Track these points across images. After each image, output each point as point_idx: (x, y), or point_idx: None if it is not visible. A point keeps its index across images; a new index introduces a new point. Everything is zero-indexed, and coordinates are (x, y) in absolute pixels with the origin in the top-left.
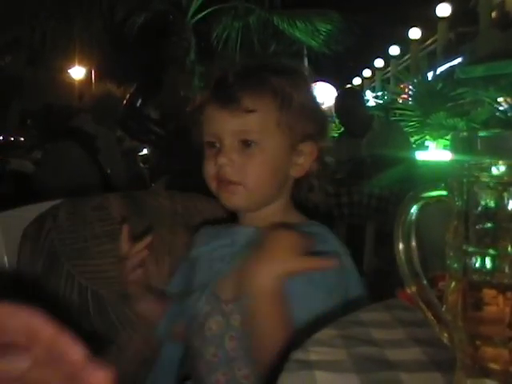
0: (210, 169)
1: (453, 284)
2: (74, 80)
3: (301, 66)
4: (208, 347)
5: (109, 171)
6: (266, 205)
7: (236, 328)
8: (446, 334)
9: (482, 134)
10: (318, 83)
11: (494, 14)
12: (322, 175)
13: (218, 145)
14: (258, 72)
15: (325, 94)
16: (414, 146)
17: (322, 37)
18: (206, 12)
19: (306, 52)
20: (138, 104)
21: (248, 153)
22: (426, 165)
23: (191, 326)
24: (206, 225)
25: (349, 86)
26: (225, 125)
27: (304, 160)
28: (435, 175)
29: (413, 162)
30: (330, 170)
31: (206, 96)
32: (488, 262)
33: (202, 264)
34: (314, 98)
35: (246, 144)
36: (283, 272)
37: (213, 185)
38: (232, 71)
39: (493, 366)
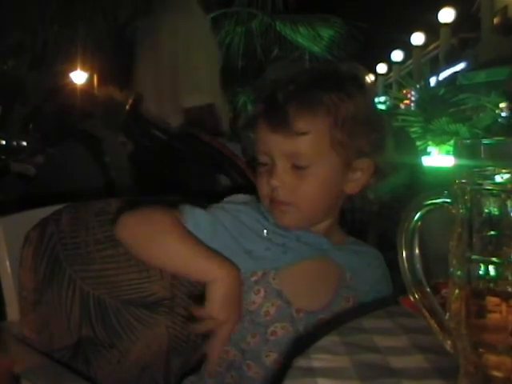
0: (262, 187)
1: (456, 291)
2: (76, 84)
3: (358, 73)
4: (269, 352)
5: (113, 175)
6: (318, 223)
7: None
8: (449, 342)
9: (485, 141)
10: None
11: (496, 20)
12: (377, 190)
13: (269, 163)
14: (310, 89)
15: None
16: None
17: (324, 42)
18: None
19: (307, 57)
20: (140, 109)
21: (300, 174)
22: (429, 171)
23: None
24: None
25: None
26: (277, 147)
27: (360, 176)
28: (438, 182)
29: (417, 168)
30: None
31: (256, 113)
32: (491, 270)
33: (254, 235)
34: (371, 108)
35: (296, 164)
36: None
37: (265, 202)
38: (282, 90)
39: (496, 373)
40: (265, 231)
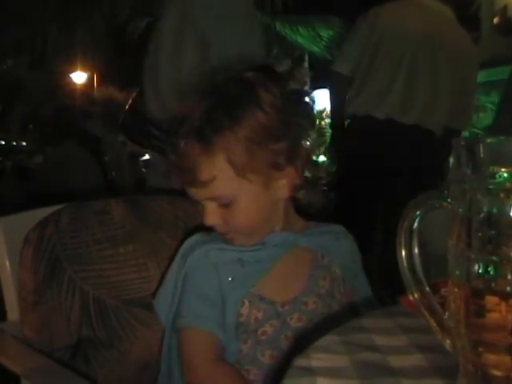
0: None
1: (455, 291)
2: (76, 84)
3: (248, 86)
4: (264, 351)
5: (113, 174)
6: (270, 228)
7: (291, 327)
8: (448, 341)
9: (484, 140)
10: (319, 90)
11: (496, 20)
12: (310, 184)
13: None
14: (202, 136)
15: (326, 100)
16: None
17: (323, 42)
18: None
19: (307, 57)
20: (140, 109)
21: (228, 210)
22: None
23: (236, 332)
24: (198, 232)
25: None
26: (196, 195)
27: (286, 181)
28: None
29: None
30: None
31: (171, 171)
32: (490, 269)
33: (226, 267)
34: (271, 118)
35: (222, 201)
36: None
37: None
38: (178, 150)
39: (495, 372)
40: (229, 279)
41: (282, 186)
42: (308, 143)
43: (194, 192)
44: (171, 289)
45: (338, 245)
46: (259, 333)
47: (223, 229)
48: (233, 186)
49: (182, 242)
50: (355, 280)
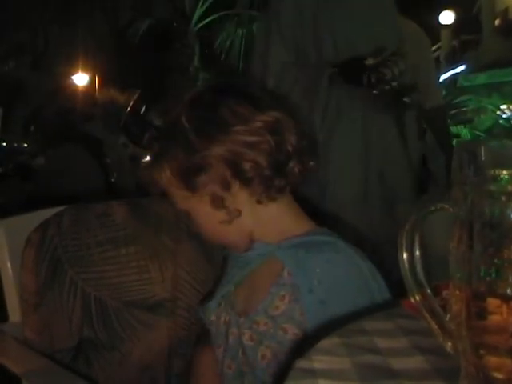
0: None
1: (457, 293)
2: (77, 86)
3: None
4: (225, 359)
5: (114, 176)
6: (254, 238)
7: (244, 344)
8: (449, 343)
9: (486, 143)
10: None
11: (497, 22)
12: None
13: None
14: (156, 155)
15: None
16: None
17: None
18: (209, 19)
19: None
20: (141, 111)
21: (193, 222)
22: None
23: (212, 331)
24: None
25: None
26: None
27: (239, 186)
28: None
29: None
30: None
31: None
32: (492, 272)
33: (231, 262)
34: (183, 153)
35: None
36: None
37: None
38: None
39: (497, 375)
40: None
41: (237, 191)
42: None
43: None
44: None
45: (317, 259)
46: (229, 340)
47: (204, 238)
48: (184, 198)
49: (183, 243)
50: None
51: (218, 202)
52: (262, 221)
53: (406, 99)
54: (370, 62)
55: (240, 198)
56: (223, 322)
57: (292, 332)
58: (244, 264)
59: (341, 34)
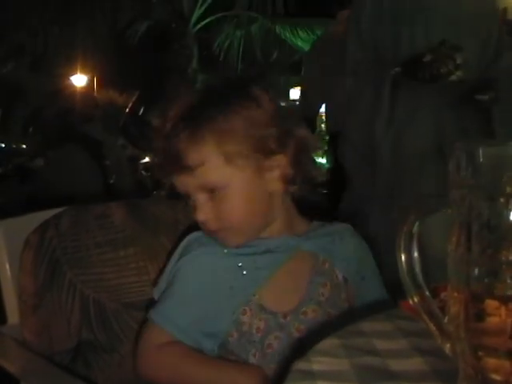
0: (197, 220)
1: (455, 295)
2: (76, 87)
3: (250, 84)
4: (269, 365)
5: (113, 178)
6: (264, 228)
7: (294, 337)
8: (448, 345)
9: (484, 144)
10: None
11: None
12: (302, 175)
13: (191, 197)
14: (190, 121)
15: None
16: None
17: None
18: (208, 20)
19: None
20: (140, 112)
21: (218, 200)
22: None
23: (239, 342)
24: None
25: None
26: (186, 184)
27: (277, 172)
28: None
29: None
30: (313, 169)
31: (158, 159)
32: (490, 273)
33: (226, 274)
34: (268, 113)
35: (212, 192)
36: None
37: (205, 232)
38: (168, 133)
39: (495, 376)
40: (229, 286)
41: (275, 178)
42: (302, 132)
43: (183, 182)
44: (164, 284)
45: (342, 246)
46: (265, 346)
47: (215, 225)
48: (223, 173)
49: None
50: (362, 283)
51: (262, 166)
52: (284, 211)
53: (480, 96)
54: (427, 58)
55: (276, 182)
56: (256, 330)
57: (334, 316)
58: (258, 266)
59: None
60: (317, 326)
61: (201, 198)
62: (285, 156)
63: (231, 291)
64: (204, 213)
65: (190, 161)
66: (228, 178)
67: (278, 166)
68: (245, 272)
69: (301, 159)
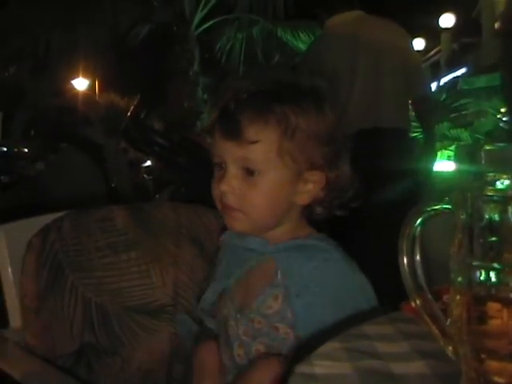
0: (215, 191)
1: (457, 297)
2: (77, 91)
3: (318, 89)
4: (226, 349)
5: (114, 181)
6: (270, 229)
7: (241, 338)
8: (450, 348)
9: (486, 146)
10: None
11: (497, 25)
12: (327, 203)
13: (223, 167)
14: (262, 99)
15: None
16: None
17: None
18: (209, 23)
19: None
20: (141, 115)
21: (250, 181)
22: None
23: (218, 323)
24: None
25: None
26: (228, 152)
27: (312, 188)
28: (439, 187)
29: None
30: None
31: (212, 120)
32: (492, 276)
33: (227, 255)
34: (327, 123)
35: (248, 172)
36: None
37: (218, 206)
38: (235, 99)
39: (497, 379)
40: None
41: (306, 191)
42: (345, 168)
43: (226, 149)
44: None
45: (306, 265)
46: (229, 330)
47: (233, 201)
48: (269, 160)
49: (185, 249)
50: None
51: (301, 175)
52: (290, 222)
53: None
54: None
55: (304, 195)
56: (223, 315)
57: (284, 331)
58: (241, 261)
59: None
60: (263, 336)
61: (233, 171)
62: (323, 176)
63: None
64: (230, 185)
65: (247, 134)
66: (270, 168)
67: (314, 182)
68: (236, 256)
69: (335, 187)
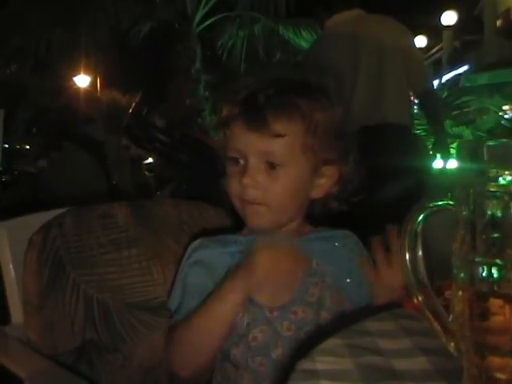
0: (234, 187)
1: (459, 294)
2: (79, 88)
3: (327, 85)
4: (255, 357)
5: (116, 178)
6: (286, 225)
7: (281, 335)
8: (452, 344)
9: (488, 143)
10: None
11: (498, 23)
12: (340, 197)
13: (242, 162)
14: (289, 94)
15: None
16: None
17: None
18: (211, 21)
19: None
20: (143, 112)
21: (273, 175)
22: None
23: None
24: (204, 235)
25: None
26: (252, 145)
27: (325, 182)
28: (442, 184)
29: (422, 171)
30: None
31: (233, 111)
32: (495, 272)
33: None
34: (339, 122)
35: (271, 166)
36: None
37: (236, 203)
38: (262, 91)
39: (499, 375)
40: None
41: (321, 184)
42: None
43: (250, 141)
44: (178, 291)
45: (335, 251)
46: (250, 338)
47: (256, 195)
48: (292, 152)
49: (186, 246)
50: (349, 287)
51: (318, 170)
52: (303, 211)
53: None
54: None
55: (319, 188)
56: (241, 321)
57: (323, 317)
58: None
59: None
60: (307, 325)
61: (256, 164)
62: (337, 170)
63: None
64: (252, 178)
65: (274, 127)
66: (293, 161)
67: (327, 177)
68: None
69: (346, 181)
